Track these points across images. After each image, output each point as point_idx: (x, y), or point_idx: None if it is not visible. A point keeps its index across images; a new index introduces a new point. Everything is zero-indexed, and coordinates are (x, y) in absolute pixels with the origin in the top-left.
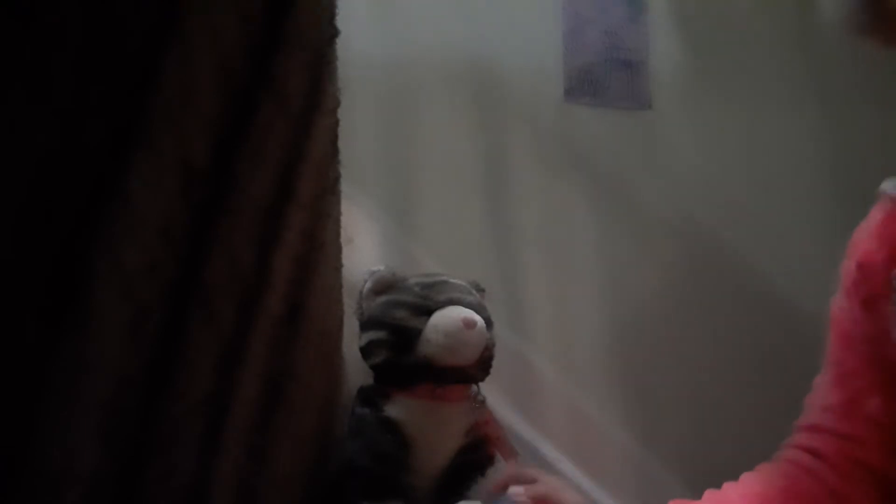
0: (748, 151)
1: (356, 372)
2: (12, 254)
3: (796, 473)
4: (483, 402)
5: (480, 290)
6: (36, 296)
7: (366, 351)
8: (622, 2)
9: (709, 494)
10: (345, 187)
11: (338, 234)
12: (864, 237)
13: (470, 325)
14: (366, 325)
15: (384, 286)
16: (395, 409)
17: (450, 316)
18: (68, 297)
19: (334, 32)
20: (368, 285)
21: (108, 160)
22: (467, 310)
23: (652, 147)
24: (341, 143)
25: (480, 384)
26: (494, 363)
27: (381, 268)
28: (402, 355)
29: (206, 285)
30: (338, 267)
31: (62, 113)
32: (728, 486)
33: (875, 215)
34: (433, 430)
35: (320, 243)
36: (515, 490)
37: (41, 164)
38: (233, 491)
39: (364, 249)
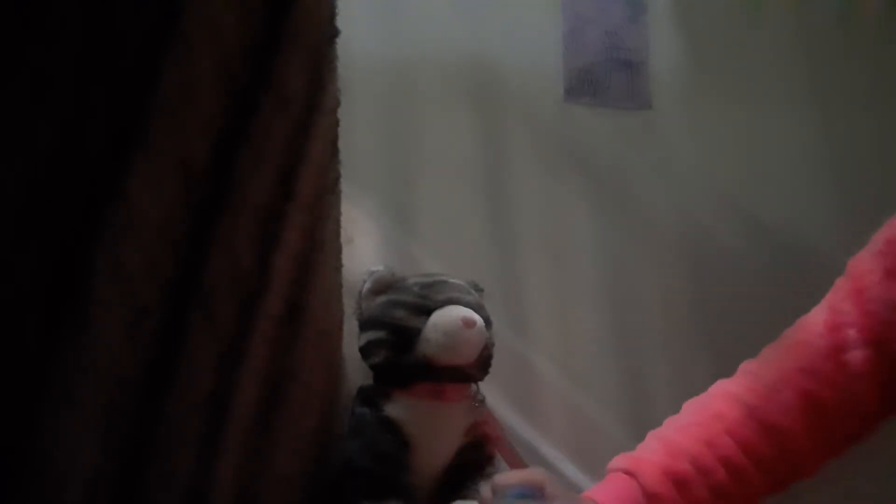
0: (748, 151)
1: (356, 372)
2: (12, 254)
3: (717, 408)
4: (482, 401)
5: (479, 290)
6: (36, 296)
7: (365, 351)
8: (622, 2)
9: (650, 437)
10: (345, 187)
11: (338, 234)
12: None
13: (469, 323)
14: (365, 325)
15: (383, 286)
16: (395, 408)
17: (449, 315)
18: (68, 297)
19: (334, 32)
20: (367, 285)
21: (108, 160)
22: (466, 309)
23: (652, 147)
24: (341, 143)
25: (480, 383)
26: (495, 363)
27: (380, 268)
28: (401, 355)
29: (205, 285)
30: (338, 267)
31: (62, 113)
32: (671, 421)
33: None
34: (433, 430)
35: (320, 243)
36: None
37: (41, 164)
38: (233, 491)
39: (364, 249)
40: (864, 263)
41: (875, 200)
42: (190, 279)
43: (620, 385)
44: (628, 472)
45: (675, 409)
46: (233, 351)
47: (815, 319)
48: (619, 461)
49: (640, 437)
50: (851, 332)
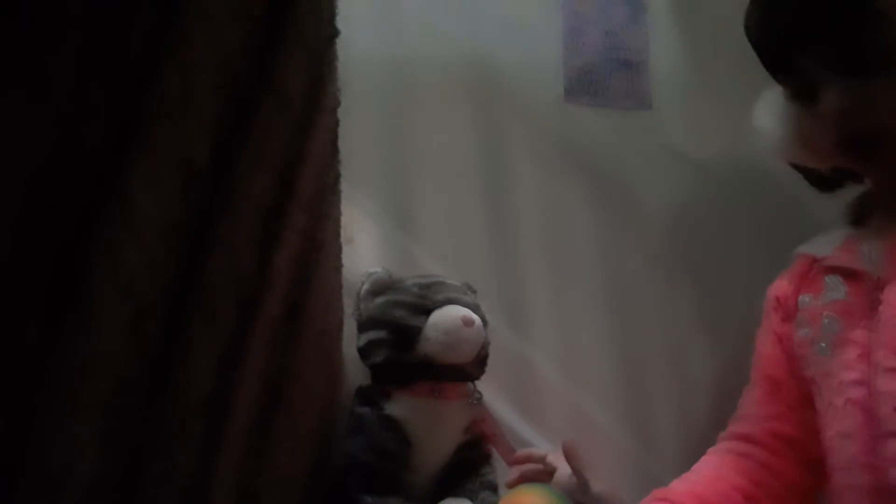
0: (748, 152)
1: (356, 372)
2: (12, 254)
3: (733, 457)
4: (480, 398)
5: (473, 291)
6: (36, 296)
7: (365, 351)
8: (622, 2)
9: (676, 483)
10: (345, 187)
11: (338, 234)
12: (778, 282)
13: (469, 323)
14: (365, 326)
15: (382, 287)
16: (396, 407)
17: (449, 314)
18: (68, 297)
19: (334, 32)
20: (366, 287)
21: (108, 160)
22: (465, 309)
23: (652, 147)
24: (341, 143)
25: (477, 382)
26: (494, 363)
27: (378, 269)
28: (402, 354)
29: (205, 285)
30: (338, 267)
31: (62, 113)
32: (688, 474)
33: (789, 269)
34: (433, 428)
35: (320, 243)
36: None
37: (41, 164)
38: (233, 491)
39: (364, 249)
40: (762, 335)
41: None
42: (190, 279)
43: (620, 384)
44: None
45: (674, 409)
46: (233, 351)
47: (747, 390)
48: (652, 495)
49: (639, 437)
50: (778, 378)
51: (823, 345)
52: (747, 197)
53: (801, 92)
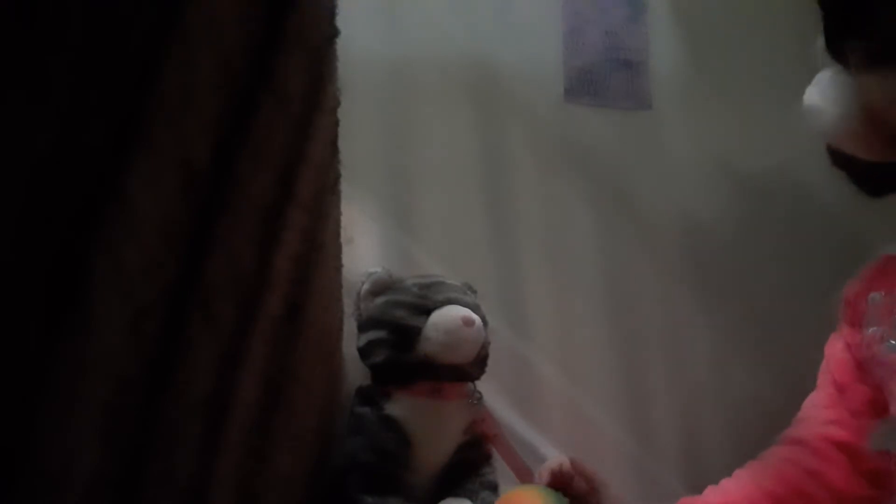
0: (748, 152)
1: (356, 372)
2: (12, 254)
3: (779, 462)
4: (480, 398)
5: (473, 291)
6: (36, 296)
7: (365, 351)
8: (622, 2)
9: (710, 490)
10: (345, 187)
11: (338, 234)
12: (850, 284)
13: (469, 323)
14: (365, 326)
15: (382, 287)
16: (396, 407)
17: (449, 315)
18: (68, 297)
19: (334, 32)
20: (366, 287)
21: (108, 160)
22: (465, 308)
23: (652, 147)
24: (341, 143)
25: (477, 382)
26: (495, 363)
27: (378, 269)
28: (402, 354)
29: (206, 285)
30: (338, 267)
31: (62, 113)
32: (725, 481)
33: (867, 267)
34: (433, 428)
35: (320, 243)
36: None
37: (40, 164)
38: (233, 491)
39: (364, 249)
40: (832, 341)
41: (874, 198)
42: (190, 279)
43: (620, 384)
44: None
45: (674, 410)
46: (233, 351)
47: (812, 395)
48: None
49: (639, 437)
50: (845, 380)
51: (894, 342)
52: (747, 196)
53: (879, 55)
